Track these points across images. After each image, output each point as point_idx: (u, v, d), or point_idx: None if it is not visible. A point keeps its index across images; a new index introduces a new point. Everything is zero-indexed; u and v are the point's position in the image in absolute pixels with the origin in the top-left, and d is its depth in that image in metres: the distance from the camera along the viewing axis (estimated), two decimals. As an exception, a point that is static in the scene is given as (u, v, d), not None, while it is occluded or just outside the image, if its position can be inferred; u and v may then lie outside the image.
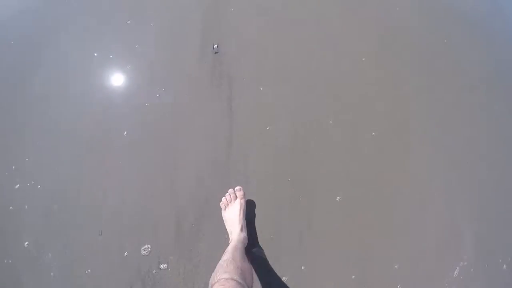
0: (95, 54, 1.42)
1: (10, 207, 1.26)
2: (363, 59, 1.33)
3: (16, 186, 1.27)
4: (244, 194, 1.09)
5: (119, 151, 1.20)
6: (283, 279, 1.03)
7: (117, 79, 1.34)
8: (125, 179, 1.17)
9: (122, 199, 1.15)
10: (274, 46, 1.33)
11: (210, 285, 0.75)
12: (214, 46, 1.32)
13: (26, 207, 1.24)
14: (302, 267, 1.04)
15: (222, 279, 0.72)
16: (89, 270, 1.08)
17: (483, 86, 1.32)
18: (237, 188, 1.10)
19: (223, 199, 1.10)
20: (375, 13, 1.41)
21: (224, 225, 1.08)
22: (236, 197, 1.08)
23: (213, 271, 0.78)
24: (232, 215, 1.05)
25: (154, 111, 1.23)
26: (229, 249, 0.90)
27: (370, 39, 1.34)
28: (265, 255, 1.07)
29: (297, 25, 1.37)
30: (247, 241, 1.01)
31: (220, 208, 1.09)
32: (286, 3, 1.43)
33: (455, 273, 1.08)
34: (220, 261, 0.83)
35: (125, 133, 1.21)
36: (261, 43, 1.34)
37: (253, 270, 0.89)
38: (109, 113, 1.25)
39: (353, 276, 1.03)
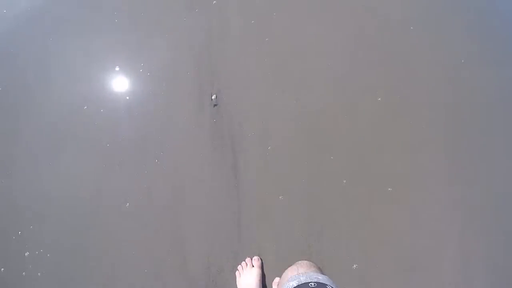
0: (85, 107, 1.30)
1: (23, 273, 1.27)
2: (379, 99, 1.19)
3: (26, 254, 1.27)
4: (262, 264, 1.06)
5: (123, 223, 1.15)
6: None
7: (111, 142, 1.24)
8: (133, 254, 1.14)
9: (132, 276, 1.13)
10: (280, 92, 1.19)
11: None
12: (212, 97, 1.19)
13: (38, 274, 1.25)
14: None
15: None
16: None
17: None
18: (255, 257, 1.07)
19: (239, 266, 1.08)
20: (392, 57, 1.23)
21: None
22: (253, 266, 1.06)
23: None
24: (248, 283, 1.03)
25: (154, 179, 1.15)
26: None
27: (385, 83, 1.19)
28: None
29: (305, 69, 1.21)
30: None
31: (235, 278, 1.08)
32: (291, 39, 1.25)
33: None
34: None
35: (127, 205, 1.16)
36: (264, 89, 1.20)
37: None
38: (107, 184, 1.18)
39: None
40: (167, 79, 1.25)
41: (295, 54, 1.28)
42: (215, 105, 1.18)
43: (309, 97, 1.19)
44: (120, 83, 1.30)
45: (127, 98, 1.27)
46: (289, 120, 1.16)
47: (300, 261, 0.72)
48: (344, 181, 1.12)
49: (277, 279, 1.02)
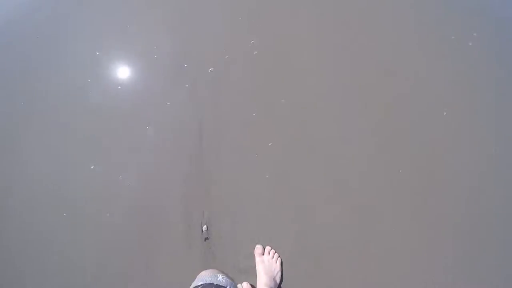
0: (64, 214, 1.15)
1: None
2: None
3: None
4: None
5: None
6: None
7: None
8: None
9: None
10: (284, 224, 0.99)
11: None
12: (203, 229, 1.00)
13: None
14: None
15: None
16: None
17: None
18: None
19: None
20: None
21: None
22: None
23: None
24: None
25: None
26: None
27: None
28: None
29: (319, 195, 0.99)
30: None
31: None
32: (302, 142, 1.03)
33: None
34: None
35: None
36: (265, 218, 1.00)
37: None
38: None
39: None
40: (149, 205, 1.06)
41: (305, 167, 1.05)
42: (206, 238, 1.00)
43: (319, 232, 0.97)
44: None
45: (108, 214, 1.10)
46: (293, 259, 0.97)
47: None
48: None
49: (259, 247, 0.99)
